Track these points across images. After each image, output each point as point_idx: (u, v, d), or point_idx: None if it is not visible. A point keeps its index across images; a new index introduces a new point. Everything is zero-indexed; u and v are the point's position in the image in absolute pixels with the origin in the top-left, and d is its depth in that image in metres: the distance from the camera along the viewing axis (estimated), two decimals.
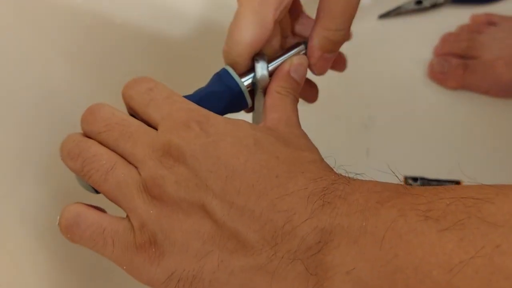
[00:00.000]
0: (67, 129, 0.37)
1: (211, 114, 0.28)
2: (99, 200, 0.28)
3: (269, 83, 0.32)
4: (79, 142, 0.28)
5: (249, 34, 0.30)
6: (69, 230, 0.26)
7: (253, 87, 0.32)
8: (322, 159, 0.28)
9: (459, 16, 0.59)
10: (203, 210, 0.25)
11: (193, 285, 0.25)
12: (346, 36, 0.32)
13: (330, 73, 0.58)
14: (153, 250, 0.25)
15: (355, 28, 0.60)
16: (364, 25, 0.60)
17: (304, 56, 0.33)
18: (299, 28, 0.36)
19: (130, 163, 0.27)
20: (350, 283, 0.22)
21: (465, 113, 0.54)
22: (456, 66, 0.54)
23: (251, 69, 0.32)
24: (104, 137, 0.28)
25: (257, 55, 0.32)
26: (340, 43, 0.32)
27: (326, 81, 0.57)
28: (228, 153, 0.26)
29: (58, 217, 0.27)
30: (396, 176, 0.26)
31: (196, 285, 0.25)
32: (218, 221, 0.25)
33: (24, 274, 0.33)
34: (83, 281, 0.37)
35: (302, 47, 0.33)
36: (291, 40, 0.36)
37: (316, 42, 0.32)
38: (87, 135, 0.29)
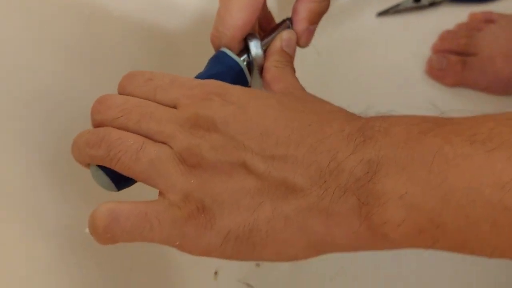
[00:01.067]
0: (65, 121, 0.37)
1: (226, 84, 0.28)
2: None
3: (263, 61, 0.33)
4: (96, 131, 0.27)
5: (241, 16, 0.31)
6: (109, 229, 0.25)
7: (248, 66, 0.33)
8: (345, 109, 0.28)
9: (457, 14, 0.60)
10: (245, 168, 0.25)
11: (251, 239, 0.24)
12: (328, 6, 0.34)
13: (329, 69, 0.58)
14: (203, 216, 0.25)
15: (353, 25, 0.61)
16: (363, 23, 0.60)
17: (292, 31, 0.34)
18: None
19: (156, 142, 0.26)
20: (403, 207, 0.22)
21: (464, 110, 0.54)
22: (455, 62, 0.54)
23: (243, 50, 0.32)
24: (123, 121, 0.27)
25: (249, 35, 0.32)
26: (323, 13, 0.34)
27: (325, 78, 0.57)
28: (256, 114, 0.26)
29: (87, 227, 0.26)
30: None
31: (254, 239, 0.24)
32: (263, 175, 0.25)
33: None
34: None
35: (287, 23, 0.34)
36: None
37: (302, 15, 0.33)
38: (99, 126, 0.28)
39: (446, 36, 0.57)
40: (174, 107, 0.27)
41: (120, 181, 0.28)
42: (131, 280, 0.41)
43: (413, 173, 0.22)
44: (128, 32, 0.41)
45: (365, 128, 0.25)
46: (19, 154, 0.33)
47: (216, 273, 0.47)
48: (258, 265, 0.47)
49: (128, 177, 0.27)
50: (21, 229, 0.32)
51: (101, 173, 0.27)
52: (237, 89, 0.28)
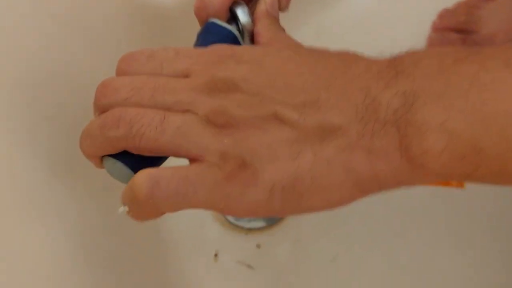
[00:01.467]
0: (58, 101, 0.36)
1: (234, 46, 0.28)
2: None
3: (253, 27, 0.32)
4: (109, 113, 0.25)
5: None
6: (151, 195, 0.24)
7: (239, 34, 0.32)
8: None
9: None
10: (277, 119, 0.24)
11: (296, 189, 0.24)
12: None
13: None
14: (244, 172, 0.24)
15: (352, 5, 0.61)
16: (362, 2, 0.60)
17: None
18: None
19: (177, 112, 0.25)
20: (444, 135, 0.22)
21: None
22: (455, 40, 0.54)
23: (230, 19, 0.32)
24: (135, 100, 0.25)
25: (234, 3, 0.32)
26: None
27: None
28: (276, 66, 0.26)
29: (121, 206, 0.25)
30: None
31: (299, 188, 0.24)
32: (297, 122, 0.24)
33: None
34: None
35: None
36: None
37: None
38: (107, 110, 0.26)
39: (445, 14, 0.56)
40: (186, 77, 0.26)
41: (141, 169, 0.26)
42: (131, 262, 0.41)
43: (451, 101, 0.22)
44: (121, 5, 0.40)
45: (394, 63, 0.24)
46: (18, 150, 0.33)
47: (216, 255, 0.47)
48: (258, 246, 0.47)
49: (148, 164, 0.26)
50: (22, 229, 0.32)
51: (119, 164, 0.26)
52: (247, 48, 0.27)
